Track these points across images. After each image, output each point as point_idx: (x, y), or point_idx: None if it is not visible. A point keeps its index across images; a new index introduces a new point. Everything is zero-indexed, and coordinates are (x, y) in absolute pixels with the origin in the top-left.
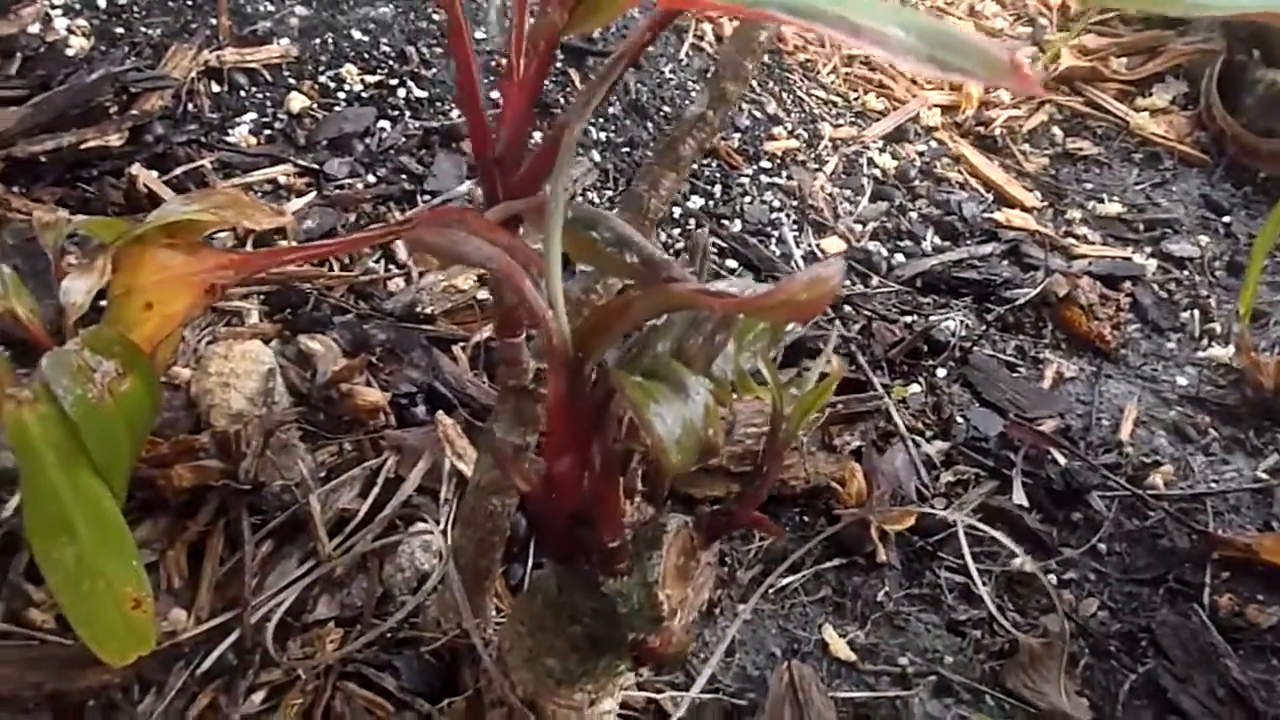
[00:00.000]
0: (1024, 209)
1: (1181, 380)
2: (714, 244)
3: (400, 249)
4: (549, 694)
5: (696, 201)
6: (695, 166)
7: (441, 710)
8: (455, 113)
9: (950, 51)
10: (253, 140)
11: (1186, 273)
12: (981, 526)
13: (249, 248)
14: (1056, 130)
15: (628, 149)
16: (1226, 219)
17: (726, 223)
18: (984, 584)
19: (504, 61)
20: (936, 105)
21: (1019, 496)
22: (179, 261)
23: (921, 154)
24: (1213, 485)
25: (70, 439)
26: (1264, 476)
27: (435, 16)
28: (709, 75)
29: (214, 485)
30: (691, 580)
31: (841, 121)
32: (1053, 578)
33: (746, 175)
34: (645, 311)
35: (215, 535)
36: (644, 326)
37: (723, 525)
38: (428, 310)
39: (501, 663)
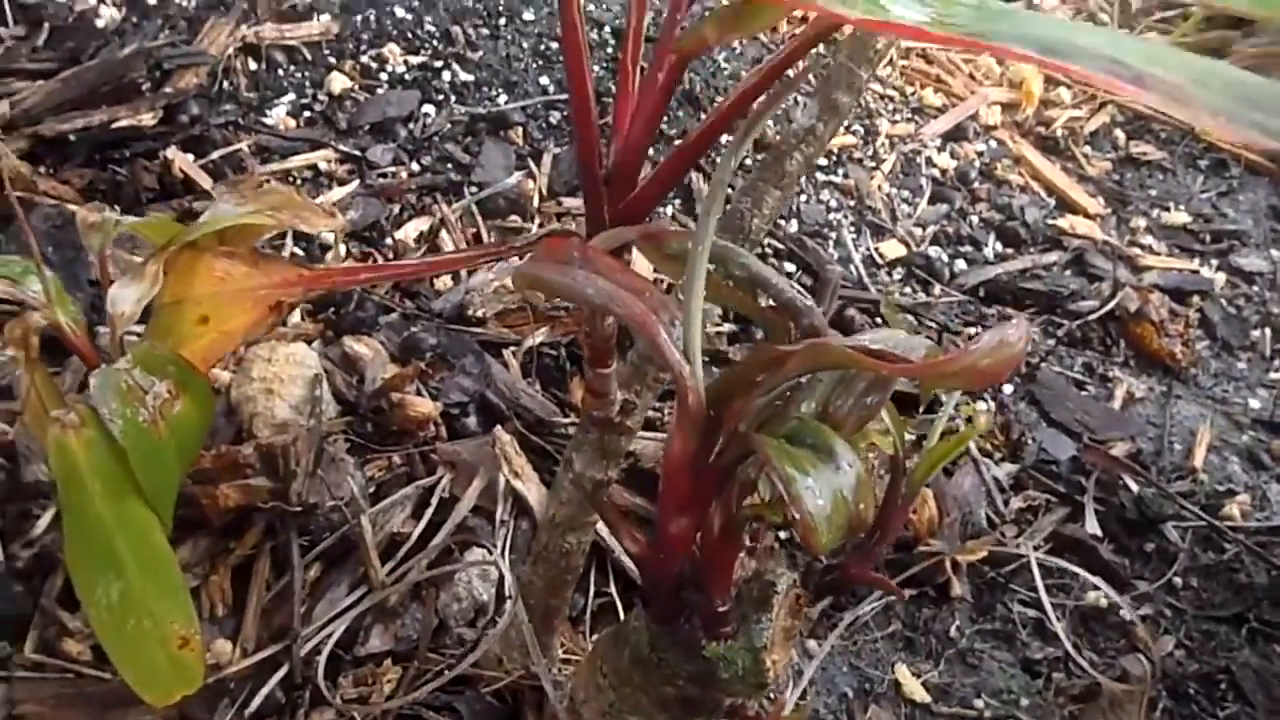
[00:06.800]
0: (1087, 216)
1: (1254, 403)
2: (770, 246)
3: (447, 241)
4: None
5: None
6: (749, 162)
7: None
8: (503, 98)
9: (1271, 114)
10: (291, 122)
11: (1256, 288)
12: (1054, 559)
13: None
14: (1119, 133)
15: (680, 139)
16: None
17: (783, 223)
18: (1059, 619)
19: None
20: (996, 103)
21: (1092, 525)
22: (240, 273)
23: (981, 154)
24: None
25: (118, 466)
26: None
27: None
28: (820, 83)
29: (262, 506)
30: (795, 641)
31: (899, 117)
32: (1127, 613)
33: None
34: (797, 370)
35: (261, 558)
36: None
37: (836, 583)
38: (478, 313)
39: (574, 713)
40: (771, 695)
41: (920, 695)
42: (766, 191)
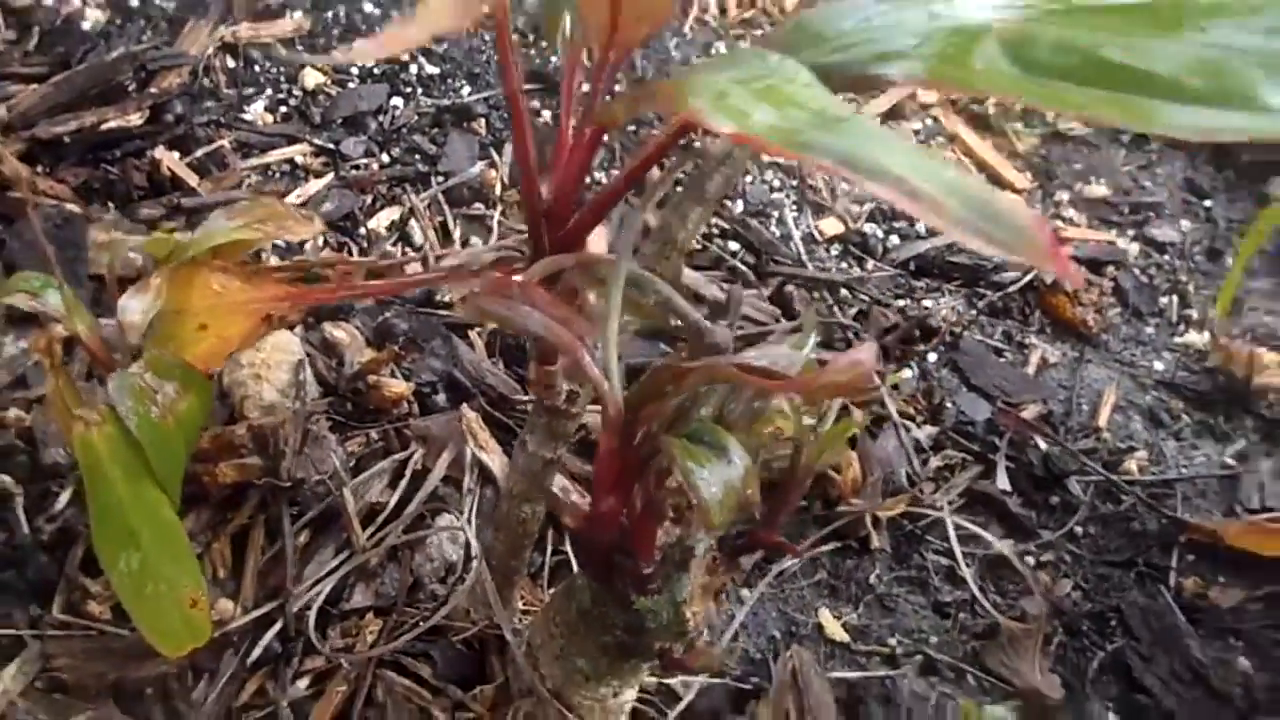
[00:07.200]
0: (1015, 190)
1: (1158, 365)
2: (716, 226)
3: (416, 231)
4: (576, 688)
5: None
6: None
7: (473, 697)
8: (466, 90)
9: (997, 226)
10: (269, 118)
11: (1167, 257)
12: (966, 517)
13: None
14: (1048, 110)
15: (634, 128)
16: (1208, 203)
17: (729, 203)
18: (968, 566)
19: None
20: None
21: (1002, 481)
22: (235, 288)
23: (918, 132)
24: (1183, 471)
25: (134, 455)
26: (1231, 462)
27: None
28: None
29: (255, 481)
30: (715, 595)
31: (840, 98)
32: (1031, 559)
33: (750, 155)
34: (694, 383)
35: (256, 527)
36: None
37: (745, 547)
38: (445, 297)
39: (531, 657)
40: (693, 641)
41: (840, 635)
42: (690, 209)
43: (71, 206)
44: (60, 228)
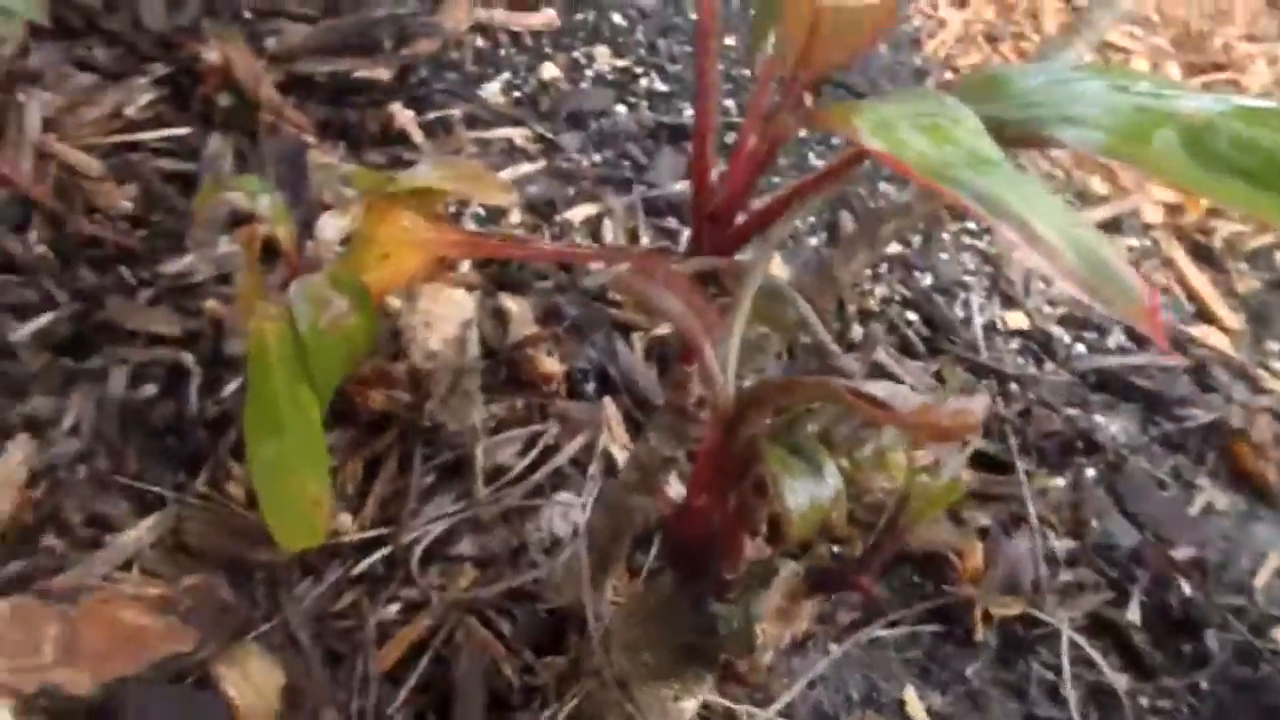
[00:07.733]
0: (1222, 329)
1: None
2: (900, 294)
3: (608, 230)
4: (640, 680)
5: (895, 247)
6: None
7: (545, 665)
8: (688, 112)
9: (1106, 282)
10: (501, 99)
11: None
12: (1085, 639)
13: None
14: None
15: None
16: None
17: (918, 274)
18: (1073, 689)
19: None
20: (1161, 202)
21: (1133, 614)
22: (420, 227)
23: (1132, 249)
24: None
25: (298, 355)
26: None
27: (692, 15)
28: None
29: (400, 415)
30: (792, 622)
31: (1059, 199)
32: (1145, 700)
33: (949, 231)
34: (805, 396)
35: (390, 458)
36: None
37: (830, 582)
38: (618, 296)
39: (606, 641)
40: (758, 660)
41: (920, 717)
42: (859, 249)
43: (309, 138)
44: (295, 154)
